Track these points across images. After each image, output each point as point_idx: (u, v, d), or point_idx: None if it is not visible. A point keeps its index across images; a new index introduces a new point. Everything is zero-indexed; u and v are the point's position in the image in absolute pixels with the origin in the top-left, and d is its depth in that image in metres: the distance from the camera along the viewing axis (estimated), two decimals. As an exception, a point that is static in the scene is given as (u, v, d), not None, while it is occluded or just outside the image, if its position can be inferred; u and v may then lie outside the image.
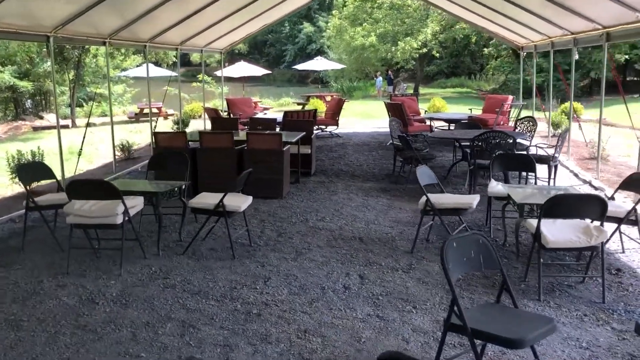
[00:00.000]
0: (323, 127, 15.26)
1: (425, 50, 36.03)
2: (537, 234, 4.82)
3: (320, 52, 48.99)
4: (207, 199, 6.04)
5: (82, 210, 5.36)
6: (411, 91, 37.21)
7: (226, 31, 14.56)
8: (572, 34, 10.89)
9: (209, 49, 15.52)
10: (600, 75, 30.11)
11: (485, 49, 36.85)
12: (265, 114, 19.55)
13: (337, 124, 15.35)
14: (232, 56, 41.16)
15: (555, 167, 8.95)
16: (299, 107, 27.71)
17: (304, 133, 10.03)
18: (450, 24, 37.24)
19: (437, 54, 38.49)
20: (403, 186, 9.39)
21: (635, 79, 36.98)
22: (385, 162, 11.67)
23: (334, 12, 42.49)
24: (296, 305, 4.71)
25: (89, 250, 5.91)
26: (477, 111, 16.04)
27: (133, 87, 30.16)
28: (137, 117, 23.44)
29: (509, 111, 14.71)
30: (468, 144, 9.79)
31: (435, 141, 13.25)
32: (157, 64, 28.88)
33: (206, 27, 13.11)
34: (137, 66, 28.72)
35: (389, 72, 36.93)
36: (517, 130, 10.74)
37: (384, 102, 14.47)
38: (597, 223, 4.99)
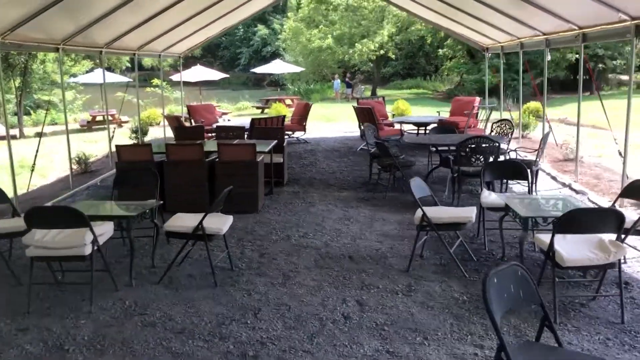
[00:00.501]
0: (290, 132, 14.75)
1: (382, 52, 35.95)
2: (550, 252, 4.48)
3: (275, 54, 48.42)
4: (183, 221, 5.47)
5: (44, 242, 4.72)
6: (368, 93, 37.08)
7: (185, 35, 13.92)
8: (544, 34, 10.74)
9: (167, 54, 14.83)
10: (553, 74, 30.20)
11: (440, 50, 37.05)
12: (229, 120, 18.92)
13: (304, 130, 14.87)
14: (185, 60, 40.01)
15: (537, 172, 8.73)
16: (259, 111, 27.22)
17: (276, 141, 9.54)
18: (405, 25, 37.32)
19: (393, 56, 38.47)
20: (382, 195, 9.00)
21: (586, 77, 37.86)
22: (358, 168, 11.27)
23: (289, 14, 42.05)
24: (295, 342, 4.22)
25: (52, 284, 5.26)
26: (444, 113, 15.84)
27: (84, 93, 28.91)
28: (89, 125, 22.43)
29: (477, 113, 14.54)
30: (446, 149, 9.50)
31: (405, 145, 12.95)
32: (109, 69, 27.80)
33: (164, 31, 12.45)
34: (88, 72, 27.57)
35: (347, 75, 36.75)
36: (492, 134, 10.49)
37: (353, 107, 14.08)
38: (610, 236, 4.69)
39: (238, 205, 7.66)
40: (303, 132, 15.01)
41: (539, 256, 5.91)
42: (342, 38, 35.84)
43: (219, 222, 5.44)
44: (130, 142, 15.37)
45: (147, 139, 16.03)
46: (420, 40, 39.03)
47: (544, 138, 8.71)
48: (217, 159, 8.17)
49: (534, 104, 18.72)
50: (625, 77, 37.51)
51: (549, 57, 11.06)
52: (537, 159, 8.71)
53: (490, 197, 6.28)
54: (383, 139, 11.19)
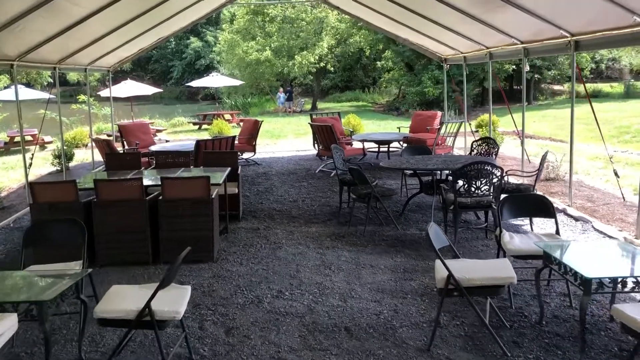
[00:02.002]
0: (239, 153, 13.20)
1: (322, 64, 34.88)
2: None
3: (210, 67, 46.51)
4: (122, 302, 3.89)
5: None
6: (309, 106, 35.91)
7: (113, 47, 12.18)
8: (522, 42, 9.75)
9: (94, 67, 12.98)
10: (493, 85, 30.39)
11: (377, 62, 36.37)
12: (167, 141, 17.11)
13: (254, 150, 13.35)
14: (114, 74, 37.31)
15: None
16: (196, 127, 25.43)
17: (230, 168, 8.02)
18: (344, 37, 36.44)
19: (332, 68, 37.46)
20: (359, 229, 7.65)
21: (519, 87, 38.26)
22: (322, 195, 9.87)
23: (223, 26, 40.35)
24: None
25: None
26: (404, 129, 14.71)
27: (1, 111, 26.18)
28: (7, 147, 19.98)
29: (439, 128, 13.52)
30: (426, 172, 8.30)
31: (367, 166, 11.73)
32: (28, 85, 25.32)
33: (90, 42, 10.70)
34: (5, 88, 25.02)
35: (288, 87, 35.44)
36: (473, 154, 9.34)
37: (309, 124, 12.71)
38: None
39: (189, 253, 6.09)
40: (253, 153, 13.48)
41: (590, 319, 4.68)
42: (280, 50, 34.48)
43: (174, 301, 3.90)
44: (53, 168, 13.39)
45: (72, 164, 14.07)
46: (359, 53, 38.27)
47: (542, 160, 7.60)
48: (160, 197, 6.57)
49: (487, 117, 17.94)
50: (557, 87, 38.19)
51: (527, 68, 10.08)
52: (535, 185, 7.61)
53: (514, 241, 5.02)
54: (345, 159, 9.89)
